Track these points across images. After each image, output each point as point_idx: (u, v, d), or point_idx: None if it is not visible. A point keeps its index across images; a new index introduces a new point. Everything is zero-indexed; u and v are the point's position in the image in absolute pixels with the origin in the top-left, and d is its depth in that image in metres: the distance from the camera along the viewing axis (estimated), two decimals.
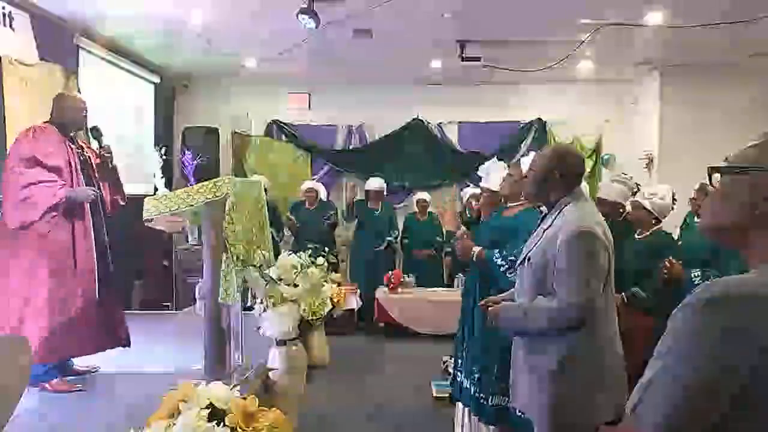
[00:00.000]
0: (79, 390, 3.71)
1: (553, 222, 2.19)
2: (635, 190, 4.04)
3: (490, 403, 2.97)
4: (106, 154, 3.94)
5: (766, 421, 0.90)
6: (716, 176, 1.09)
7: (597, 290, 2.08)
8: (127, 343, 4.00)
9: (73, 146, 3.83)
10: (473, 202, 5.86)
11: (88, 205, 3.80)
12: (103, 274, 3.85)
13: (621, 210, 4.11)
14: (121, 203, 4.04)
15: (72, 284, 3.68)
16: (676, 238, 3.99)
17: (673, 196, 3.72)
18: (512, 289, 2.40)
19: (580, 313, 2.05)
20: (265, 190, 4.17)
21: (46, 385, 3.66)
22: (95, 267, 3.80)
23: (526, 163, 2.93)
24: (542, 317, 2.12)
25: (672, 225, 4.03)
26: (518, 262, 2.34)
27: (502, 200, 3.27)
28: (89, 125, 3.99)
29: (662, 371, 0.96)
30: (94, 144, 3.99)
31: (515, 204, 3.08)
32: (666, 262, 3.25)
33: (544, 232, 2.20)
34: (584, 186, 2.47)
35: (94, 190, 3.79)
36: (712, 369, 0.91)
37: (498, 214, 3.25)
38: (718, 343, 0.90)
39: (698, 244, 3.33)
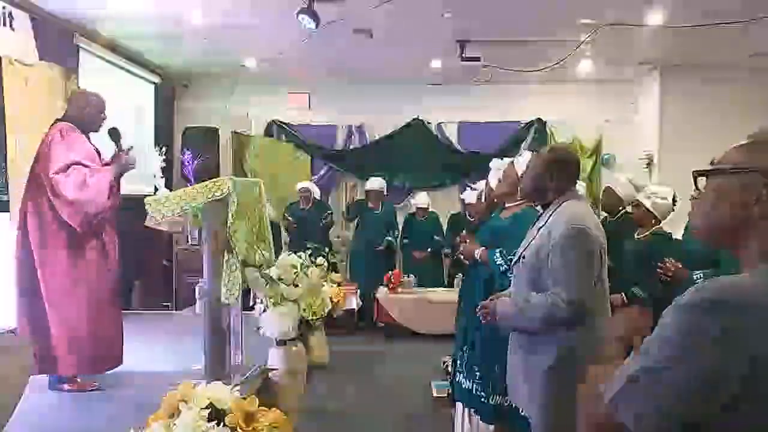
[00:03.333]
0: (98, 389, 3.71)
1: (547, 221, 2.22)
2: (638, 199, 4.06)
3: (490, 402, 2.97)
4: (130, 160, 3.81)
5: (753, 426, 0.90)
6: (702, 179, 1.10)
7: (590, 288, 2.10)
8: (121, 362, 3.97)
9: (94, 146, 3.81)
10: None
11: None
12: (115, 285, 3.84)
13: (620, 208, 4.11)
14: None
15: (105, 295, 3.68)
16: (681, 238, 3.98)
17: (674, 198, 3.72)
18: (510, 289, 2.41)
19: (575, 311, 2.07)
20: None
21: (66, 386, 3.66)
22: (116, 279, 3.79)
23: (520, 163, 2.94)
24: (537, 314, 2.13)
25: (679, 225, 4.02)
26: (514, 260, 2.37)
27: (496, 200, 3.27)
28: (107, 126, 3.90)
29: (649, 368, 0.95)
30: (112, 146, 3.89)
31: (513, 204, 3.08)
32: (666, 264, 3.25)
33: (538, 230, 2.23)
34: (581, 186, 2.48)
35: (133, 156, 3.72)
36: (701, 372, 0.90)
37: (496, 215, 3.25)
38: (710, 346, 0.90)
39: (699, 245, 3.33)
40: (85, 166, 3.61)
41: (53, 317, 3.54)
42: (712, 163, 1.11)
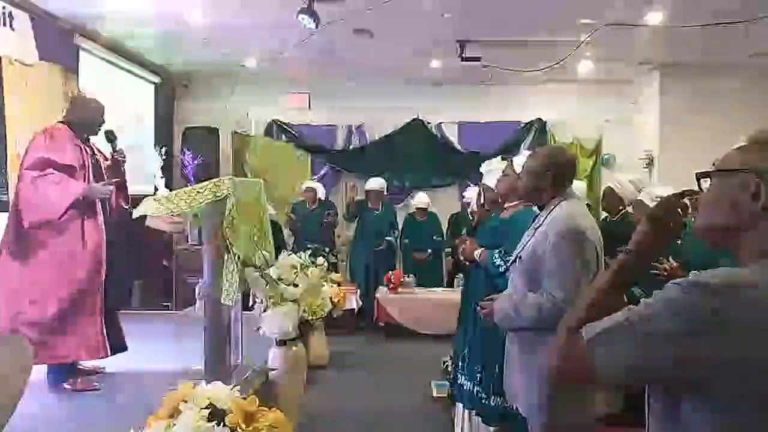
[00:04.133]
0: (97, 389, 3.71)
1: (544, 221, 2.23)
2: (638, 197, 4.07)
3: (491, 404, 2.97)
4: (120, 158, 3.91)
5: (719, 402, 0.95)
6: (705, 181, 1.13)
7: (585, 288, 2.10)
8: (125, 348, 3.99)
9: (87, 148, 3.83)
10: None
11: (99, 206, 3.80)
12: (106, 277, 3.85)
13: (621, 208, 4.12)
14: (124, 206, 4.03)
15: (82, 286, 3.68)
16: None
17: None
18: (507, 290, 2.41)
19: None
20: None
21: (66, 386, 3.66)
22: (103, 269, 3.80)
23: (518, 162, 2.94)
24: (532, 313, 2.14)
25: None
26: (510, 261, 2.38)
27: (500, 200, 3.27)
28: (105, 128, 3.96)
29: (629, 323, 1.01)
30: (108, 147, 3.96)
31: (512, 204, 3.08)
32: (663, 264, 3.25)
33: (535, 231, 2.24)
34: (580, 185, 2.48)
35: (108, 188, 3.79)
36: (679, 346, 0.96)
37: (496, 215, 3.25)
38: (687, 319, 0.95)
39: (697, 245, 3.33)
40: (63, 171, 3.63)
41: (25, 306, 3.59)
42: (713, 165, 1.14)
